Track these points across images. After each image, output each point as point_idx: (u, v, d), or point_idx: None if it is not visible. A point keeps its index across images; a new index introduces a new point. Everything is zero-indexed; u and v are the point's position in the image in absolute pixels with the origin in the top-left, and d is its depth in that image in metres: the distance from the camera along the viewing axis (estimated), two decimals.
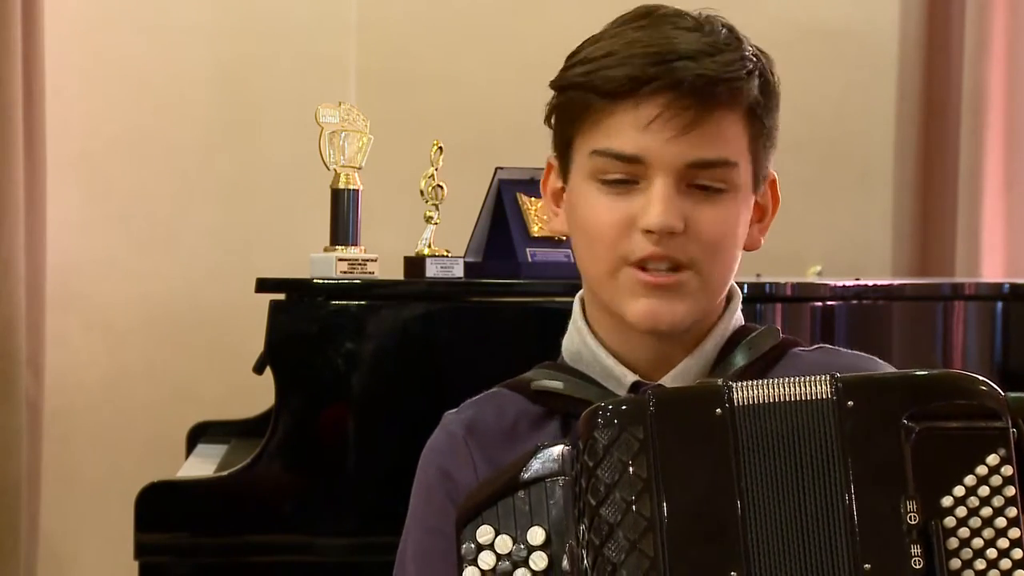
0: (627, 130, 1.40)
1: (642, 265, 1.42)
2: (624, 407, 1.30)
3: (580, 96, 1.42)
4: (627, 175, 1.41)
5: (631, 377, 1.46)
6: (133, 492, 2.47)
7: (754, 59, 1.43)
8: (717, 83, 1.38)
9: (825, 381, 1.30)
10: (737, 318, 1.52)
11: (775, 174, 1.50)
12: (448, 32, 4.03)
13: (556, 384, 1.48)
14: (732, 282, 1.52)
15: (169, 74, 3.86)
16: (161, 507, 2.47)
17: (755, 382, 1.31)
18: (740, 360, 1.47)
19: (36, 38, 3.51)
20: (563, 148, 1.48)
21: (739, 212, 1.44)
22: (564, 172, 1.49)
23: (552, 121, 1.48)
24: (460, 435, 1.50)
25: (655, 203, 1.39)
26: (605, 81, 1.40)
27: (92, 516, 3.78)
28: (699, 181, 1.41)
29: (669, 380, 1.46)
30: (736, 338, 1.50)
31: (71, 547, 3.80)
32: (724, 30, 1.43)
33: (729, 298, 1.52)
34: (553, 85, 1.46)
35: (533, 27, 3.97)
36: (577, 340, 1.50)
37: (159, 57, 3.85)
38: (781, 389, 1.30)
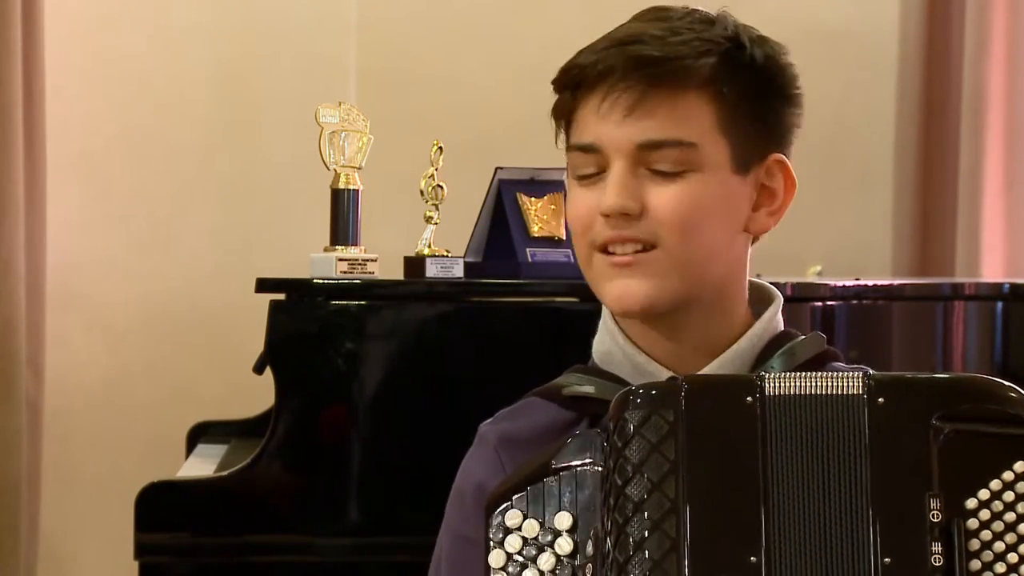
0: (588, 121, 1.43)
1: (607, 249, 1.44)
2: (656, 391, 1.31)
3: (559, 94, 1.46)
4: (596, 167, 1.44)
5: (665, 373, 1.46)
6: (133, 492, 2.47)
7: (720, 41, 1.43)
8: (657, 62, 1.40)
9: (857, 378, 1.30)
10: (777, 322, 1.51)
11: (784, 157, 1.49)
12: (448, 32, 4.03)
13: (588, 388, 1.49)
14: (770, 286, 1.53)
15: (169, 74, 3.86)
16: (161, 507, 2.47)
17: (788, 374, 1.31)
18: (778, 367, 1.47)
19: (36, 38, 3.51)
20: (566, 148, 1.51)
21: (704, 190, 1.43)
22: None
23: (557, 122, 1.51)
24: (493, 446, 1.51)
25: (610, 187, 1.42)
26: (564, 74, 1.44)
27: (92, 516, 3.78)
28: (656, 165, 1.42)
29: None
30: (776, 343, 1.49)
31: (71, 547, 3.80)
32: (703, 15, 1.44)
33: (768, 301, 1.52)
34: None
35: (533, 27, 3.97)
36: (608, 340, 1.51)
37: (159, 57, 3.85)
38: (813, 383, 1.30)
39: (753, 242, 1.52)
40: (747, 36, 1.45)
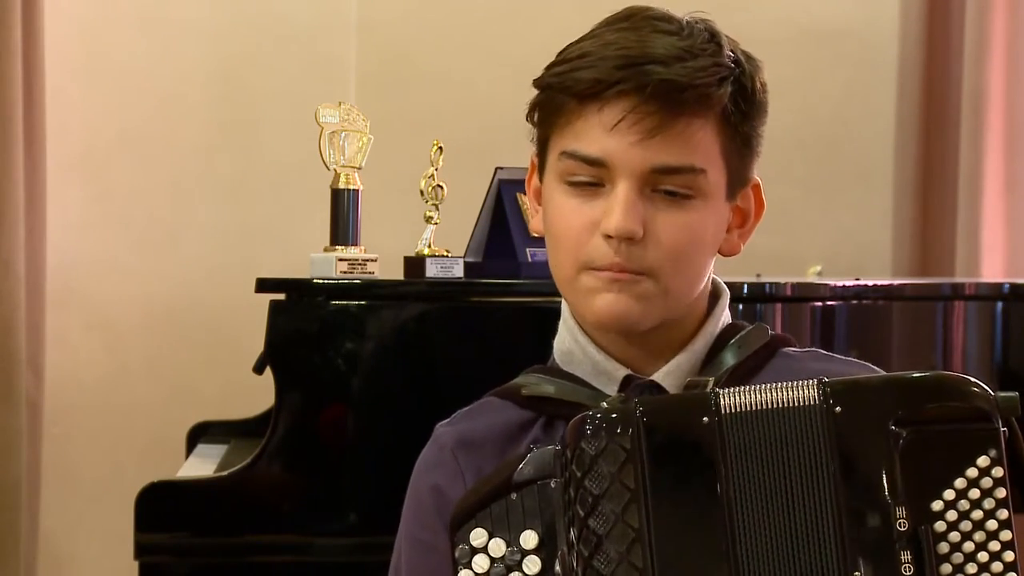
0: (593, 132, 1.40)
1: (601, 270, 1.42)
2: (612, 416, 1.30)
3: (554, 96, 1.42)
4: (593, 178, 1.41)
5: (622, 371, 1.46)
6: (133, 492, 2.47)
7: (732, 66, 1.41)
8: (684, 88, 1.37)
9: (813, 386, 1.29)
10: (726, 316, 1.52)
11: (759, 180, 1.49)
12: (448, 32, 4.03)
13: (547, 388, 1.48)
14: (719, 280, 1.52)
15: (169, 74, 3.86)
16: (161, 507, 2.47)
17: (742, 388, 1.30)
18: (730, 359, 1.47)
19: (36, 38, 3.51)
20: (540, 147, 1.48)
21: (705, 219, 1.42)
22: (541, 171, 1.49)
23: (533, 119, 1.47)
24: (449, 449, 1.50)
25: (616, 207, 1.39)
26: (574, 82, 1.40)
27: (92, 516, 3.78)
28: (664, 186, 1.40)
29: (660, 377, 1.46)
30: (725, 336, 1.49)
31: (71, 547, 3.80)
32: (706, 34, 1.41)
33: (717, 296, 1.52)
34: (534, 83, 1.46)
35: (533, 27, 3.97)
36: (568, 339, 1.50)
37: (159, 57, 3.85)
38: (768, 395, 1.29)
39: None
40: (740, 54, 1.44)
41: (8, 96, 3.39)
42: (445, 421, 1.54)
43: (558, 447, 1.32)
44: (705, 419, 1.28)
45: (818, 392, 1.28)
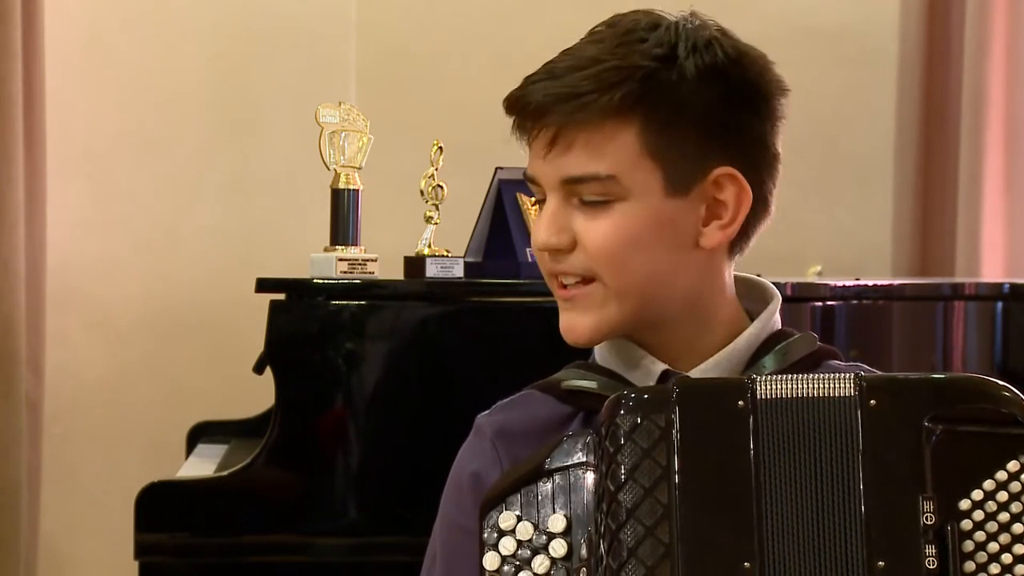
0: (529, 152, 1.47)
1: (558, 281, 1.48)
2: (647, 395, 1.31)
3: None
4: (541, 196, 1.48)
5: (660, 366, 1.47)
6: (133, 492, 2.47)
7: (647, 63, 1.40)
8: (564, 99, 1.40)
9: (849, 380, 1.30)
10: (775, 322, 1.52)
11: (734, 170, 1.45)
12: (448, 32, 4.04)
13: (587, 383, 1.50)
14: (768, 284, 1.53)
15: (169, 74, 3.86)
16: (161, 507, 2.47)
17: (779, 377, 1.31)
18: (771, 365, 1.47)
19: (36, 38, 3.51)
20: None
21: (632, 220, 1.42)
22: None
23: None
24: (489, 438, 1.52)
25: (539, 221, 1.47)
26: (506, 104, 1.47)
27: (92, 516, 3.78)
28: (584, 196, 1.43)
29: (698, 374, 1.47)
30: (770, 343, 1.50)
31: (71, 547, 3.80)
32: (638, 37, 1.42)
33: (767, 300, 1.52)
34: None
35: (533, 27, 3.97)
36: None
37: (159, 57, 3.85)
38: (804, 385, 1.30)
39: (735, 251, 1.50)
40: (688, 46, 1.42)
41: (8, 96, 3.39)
42: (485, 412, 1.56)
43: (591, 433, 1.34)
44: (740, 403, 1.29)
45: (854, 385, 1.30)
